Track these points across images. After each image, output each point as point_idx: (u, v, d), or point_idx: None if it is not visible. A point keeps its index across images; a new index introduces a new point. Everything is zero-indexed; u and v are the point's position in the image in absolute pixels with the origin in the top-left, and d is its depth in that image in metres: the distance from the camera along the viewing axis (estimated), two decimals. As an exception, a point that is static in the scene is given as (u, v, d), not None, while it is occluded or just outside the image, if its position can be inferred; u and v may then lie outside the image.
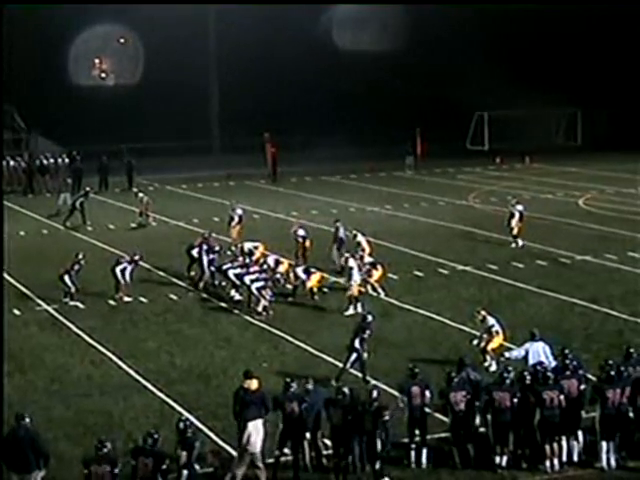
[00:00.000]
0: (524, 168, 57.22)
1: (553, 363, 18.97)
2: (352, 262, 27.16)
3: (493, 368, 21.38)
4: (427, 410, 17.78)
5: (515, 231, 34.49)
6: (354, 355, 21.23)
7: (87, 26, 64.51)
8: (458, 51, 67.02)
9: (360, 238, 31.01)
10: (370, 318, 21.80)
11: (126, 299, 28.21)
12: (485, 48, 66.34)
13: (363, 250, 30.43)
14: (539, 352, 19.53)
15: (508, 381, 17.33)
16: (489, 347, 22.02)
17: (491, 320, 22.40)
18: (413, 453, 17.33)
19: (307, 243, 31.54)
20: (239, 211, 35.49)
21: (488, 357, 21.89)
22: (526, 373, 17.72)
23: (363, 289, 27.50)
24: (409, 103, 65.01)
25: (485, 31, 66.66)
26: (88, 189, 43.67)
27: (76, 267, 28.39)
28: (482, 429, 17.53)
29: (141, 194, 41.84)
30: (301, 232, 31.83)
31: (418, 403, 17.39)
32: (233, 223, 35.18)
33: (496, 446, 17.20)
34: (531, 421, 17.15)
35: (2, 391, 16.75)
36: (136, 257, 28.96)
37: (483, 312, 22.67)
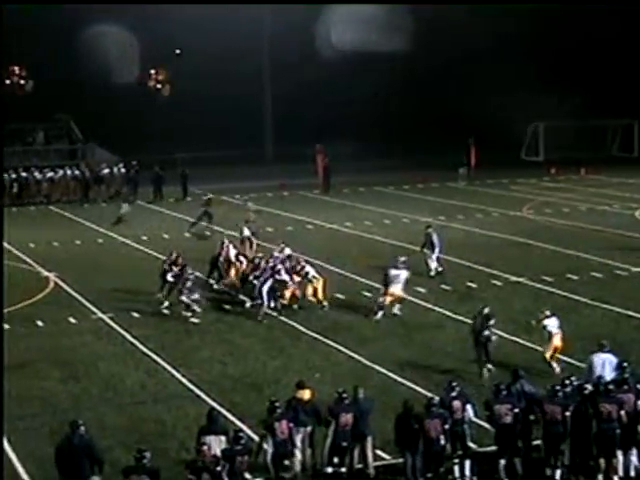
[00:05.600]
0: (579, 179, 56.67)
1: (610, 376, 18.52)
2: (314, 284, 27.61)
3: (557, 370, 21.38)
4: (475, 421, 17.70)
5: None
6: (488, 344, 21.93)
7: (144, 37, 65.20)
8: (514, 60, 66.72)
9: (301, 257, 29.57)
10: (487, 310, 22.31)
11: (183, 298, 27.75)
12: (541, 58, 66.01)
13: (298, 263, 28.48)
14: (602, 364, 19.20)
15: (560, 394, 17.17)
16: (547, 354, 21.97)
17: (548, 323, 22.26)
18: (457, 467, 17.24)
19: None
20: (246, 232, 34.74)
21: (553, 363, 21.86)
22: (587, 385, 17.49)
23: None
24: (463, 113, 64.75)
25: (541, 42, 66.35)
26: (212, 195, 43.55)
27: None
28: (535, 442, 17.41)
29: (250, 203, 41.62)
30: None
31: (459, 417, 17.31)
32: (247, 244, 33.88)
33: (549, 459, 17.03)
34: (587, 434, 16.95)
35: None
36: (179, 260, 28.64)
37: (544, 317, 22.44)
